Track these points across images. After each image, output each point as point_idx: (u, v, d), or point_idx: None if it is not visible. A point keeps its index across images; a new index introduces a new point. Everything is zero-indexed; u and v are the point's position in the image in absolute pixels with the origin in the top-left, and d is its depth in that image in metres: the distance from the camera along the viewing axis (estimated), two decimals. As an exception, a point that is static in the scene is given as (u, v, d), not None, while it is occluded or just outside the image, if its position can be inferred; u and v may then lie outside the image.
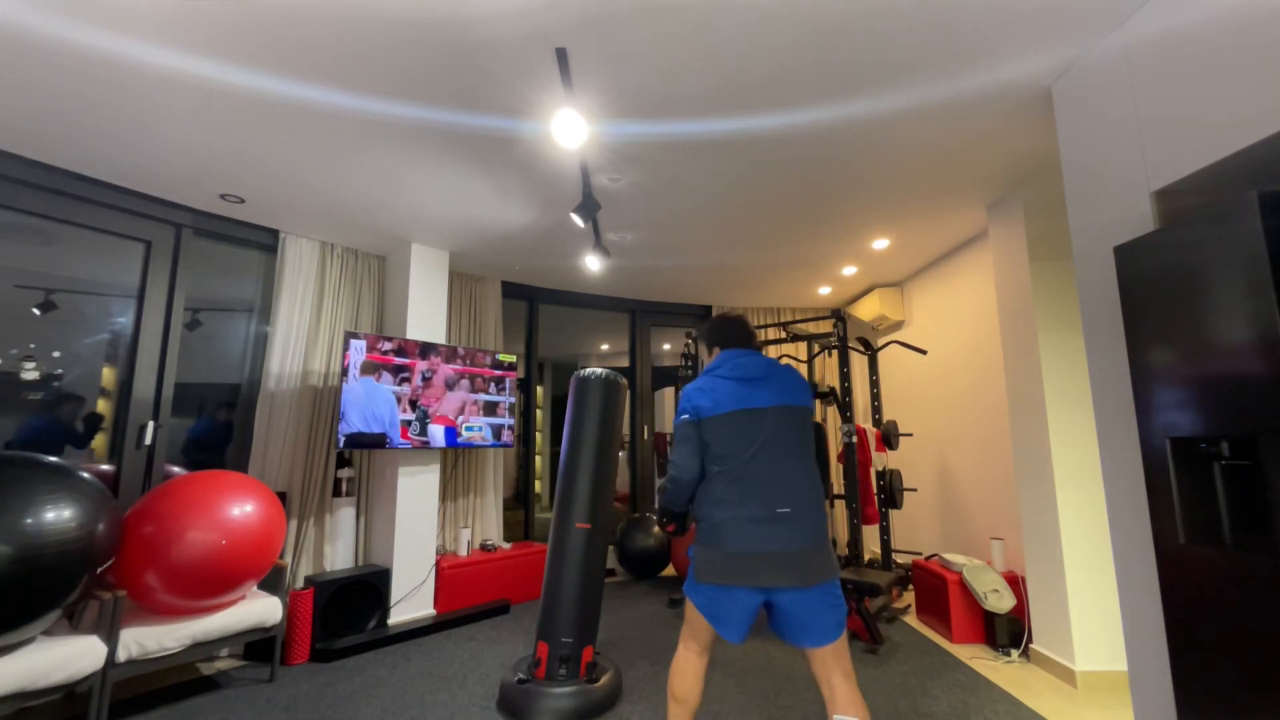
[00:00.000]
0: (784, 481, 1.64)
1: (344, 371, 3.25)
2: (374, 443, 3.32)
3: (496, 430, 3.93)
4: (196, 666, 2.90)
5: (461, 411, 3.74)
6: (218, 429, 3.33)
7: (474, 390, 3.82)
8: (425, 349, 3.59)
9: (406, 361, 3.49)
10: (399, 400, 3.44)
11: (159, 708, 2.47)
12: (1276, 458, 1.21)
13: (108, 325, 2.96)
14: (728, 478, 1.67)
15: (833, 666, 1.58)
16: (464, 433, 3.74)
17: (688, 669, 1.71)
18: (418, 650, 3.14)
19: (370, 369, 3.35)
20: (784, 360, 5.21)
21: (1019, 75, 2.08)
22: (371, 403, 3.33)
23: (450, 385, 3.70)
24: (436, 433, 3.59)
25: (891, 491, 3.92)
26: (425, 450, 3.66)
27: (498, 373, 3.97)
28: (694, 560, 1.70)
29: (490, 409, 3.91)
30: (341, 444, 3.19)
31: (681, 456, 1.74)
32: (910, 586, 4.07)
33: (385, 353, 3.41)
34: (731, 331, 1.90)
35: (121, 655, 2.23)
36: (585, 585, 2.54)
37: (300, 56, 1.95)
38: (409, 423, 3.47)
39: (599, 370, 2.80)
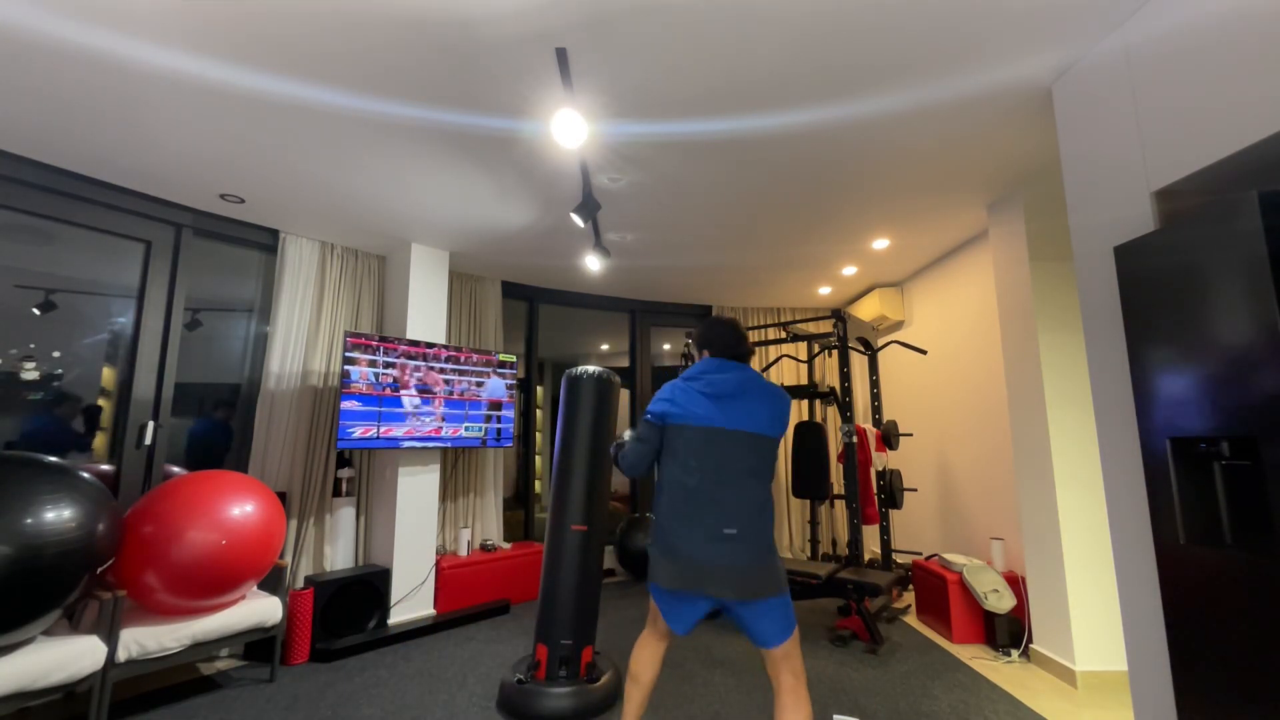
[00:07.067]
0: (735, 503, 1.73)
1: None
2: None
3: (496, 430, 3.93)
4: (196, 666, 2.90)
5: (462, 411, 3.74)
6: (216, 428, 3.33)
7: (474, 390, 3.82)
8: (425, 349, 3.59)
9: (410, 361, 3.49)
10: (404, 400, 3.45)
11: (159, 708, 2.47)
12: (1276, 458, 1.21)
13: (108, 325, 2.96)
14: (683, 491, 1.77)
15: (781, 666, 1.72)
16: (463, 432, 3.74)
17: (645, 649, 1.90)
18: (418, 650, 3.14)
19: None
20: (783, 359, 5.20)
21: (1019, 75, 2.08)
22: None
23: (451, 385, 3.70)
24: (437, 432, 3.59)
25: (891, 491, 3.92)
26: (425, 450, 3.66)
27: (497, 372, 3.97)
28: (650, 561, 1.84)
29: (489, 408, 3.91)
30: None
31: (636, 454, 1.87)
32: (910, 586, 4.07)
33: (388, 352, 3.41)
34: (719, 338, 1.92)
35: (121, 655, 2.23)
36: (583, 586, 2.54)
37: (300, 56, 1.95)
38: (417, 421, 3.49)
39: (590, 368, 2.76)
